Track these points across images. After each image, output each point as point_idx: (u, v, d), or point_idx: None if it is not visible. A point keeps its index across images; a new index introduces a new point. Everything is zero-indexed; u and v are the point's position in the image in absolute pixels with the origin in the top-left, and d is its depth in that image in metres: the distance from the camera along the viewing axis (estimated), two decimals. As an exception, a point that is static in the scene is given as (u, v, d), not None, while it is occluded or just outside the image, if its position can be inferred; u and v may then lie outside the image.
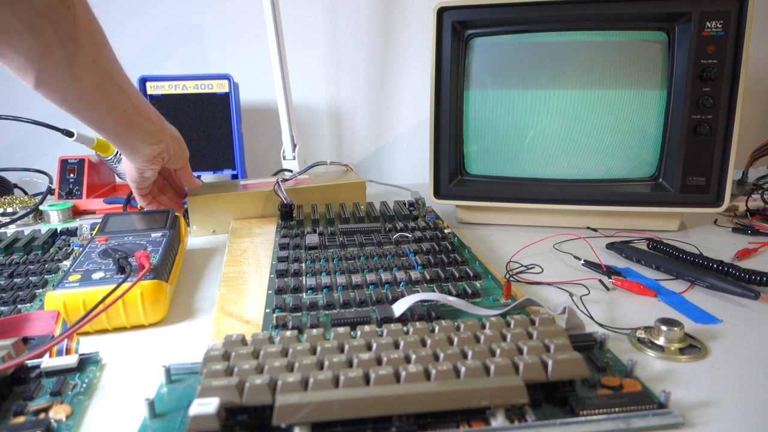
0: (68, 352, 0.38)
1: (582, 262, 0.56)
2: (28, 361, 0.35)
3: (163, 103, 0.89)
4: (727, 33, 0.60)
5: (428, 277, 0.48)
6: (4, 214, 0.81)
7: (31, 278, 0.53)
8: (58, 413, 0.32)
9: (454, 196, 0.72)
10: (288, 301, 0.45)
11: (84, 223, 0.70)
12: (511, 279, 0.52)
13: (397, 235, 0.59)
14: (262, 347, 0.33)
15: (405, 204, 0.73)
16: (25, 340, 0.38)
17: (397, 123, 1.13)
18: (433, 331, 0.36)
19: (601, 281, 0.51)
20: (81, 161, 0.89)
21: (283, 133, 0.92)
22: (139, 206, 0.76)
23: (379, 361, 0.32)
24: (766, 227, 0.67)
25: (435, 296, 0.42)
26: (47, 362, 0.36)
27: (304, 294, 0.47)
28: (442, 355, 0.32)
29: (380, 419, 0.29)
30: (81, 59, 0.46)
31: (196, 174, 0.92)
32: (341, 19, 1.06)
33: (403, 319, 0.41)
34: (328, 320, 0.42)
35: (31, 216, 0.81)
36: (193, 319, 0.47)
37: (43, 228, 0.74)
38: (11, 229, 0.76)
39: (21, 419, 0.31)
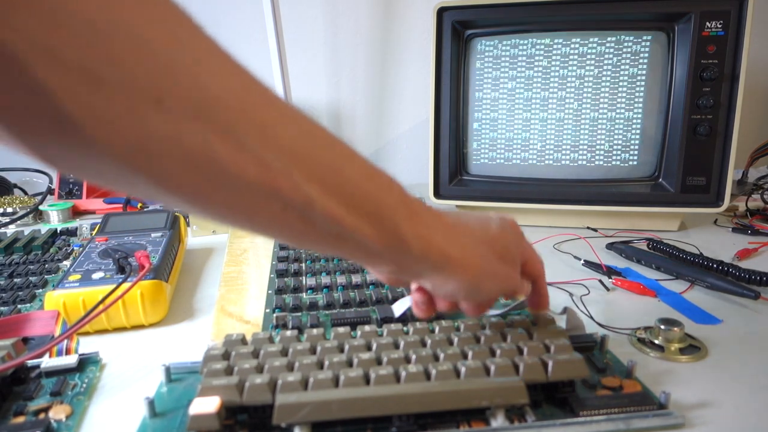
0: (68, 352, 0.38)
1: (582, 262, 0.56)
2: (28, 361, 0.35)
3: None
4: (726, 33, 0.60)
5: (428, 277, 0.48)
6: (4, 214, 0.81)
7: (31, 278, 0.53)
8: (58, 413, 0.31)
9: (454, 196, 0.72)
10: (288, 301, 0.45)
11: (84, 223, 0.70)
12: (511, 279, 0.52)
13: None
14: (262, 347, 0.33)
15: (405, 204, 0.72)
16: (25, 340, 0.38)
17: (397, 123, 1.13)
18: (433, 331, 0.36)
19: (601, 281, 0.51)
20: (81, 161, 0.89)
21: (283, 133, 0.92)
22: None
23: (379, 361, 0.32)
24: (766, 227, 0.67)
25: (435, 296, 0.42)
26: (47, 362, 0.36)
27: (304, 294, 0.47)
28: (442, 355, 0.32)
29: (380, 419, 0.29)
30: None
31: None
32: (341, 19, 1.06)
33: (403, 319, 0.41)
34: (328, 320, 0.42)
35: (31, 216, 0.81)
36: (193, 319, 0.47)
37: (43, 228, 0.74)
38: (11, 229, 0.76)
39: (21, 419, 0.31)
